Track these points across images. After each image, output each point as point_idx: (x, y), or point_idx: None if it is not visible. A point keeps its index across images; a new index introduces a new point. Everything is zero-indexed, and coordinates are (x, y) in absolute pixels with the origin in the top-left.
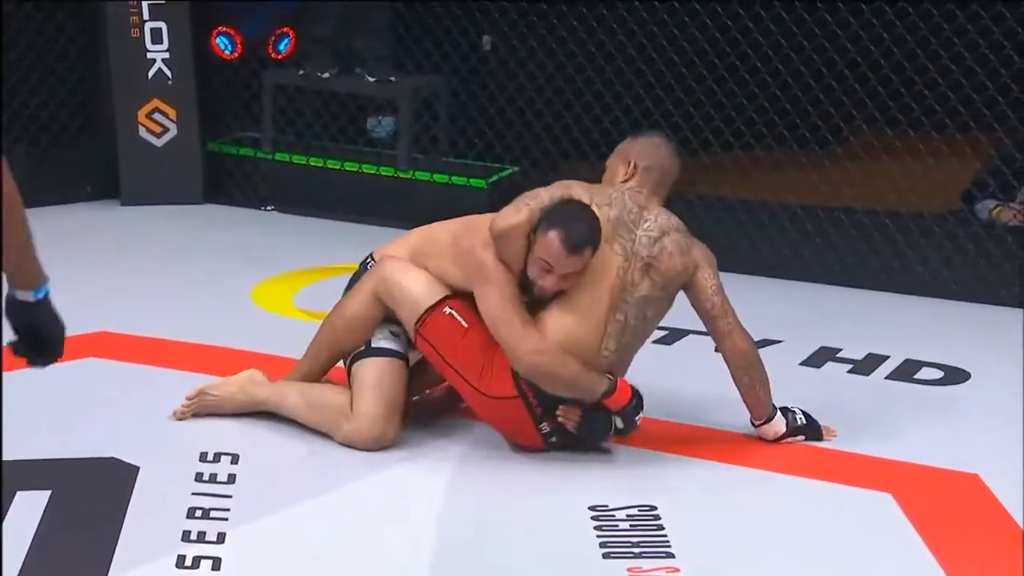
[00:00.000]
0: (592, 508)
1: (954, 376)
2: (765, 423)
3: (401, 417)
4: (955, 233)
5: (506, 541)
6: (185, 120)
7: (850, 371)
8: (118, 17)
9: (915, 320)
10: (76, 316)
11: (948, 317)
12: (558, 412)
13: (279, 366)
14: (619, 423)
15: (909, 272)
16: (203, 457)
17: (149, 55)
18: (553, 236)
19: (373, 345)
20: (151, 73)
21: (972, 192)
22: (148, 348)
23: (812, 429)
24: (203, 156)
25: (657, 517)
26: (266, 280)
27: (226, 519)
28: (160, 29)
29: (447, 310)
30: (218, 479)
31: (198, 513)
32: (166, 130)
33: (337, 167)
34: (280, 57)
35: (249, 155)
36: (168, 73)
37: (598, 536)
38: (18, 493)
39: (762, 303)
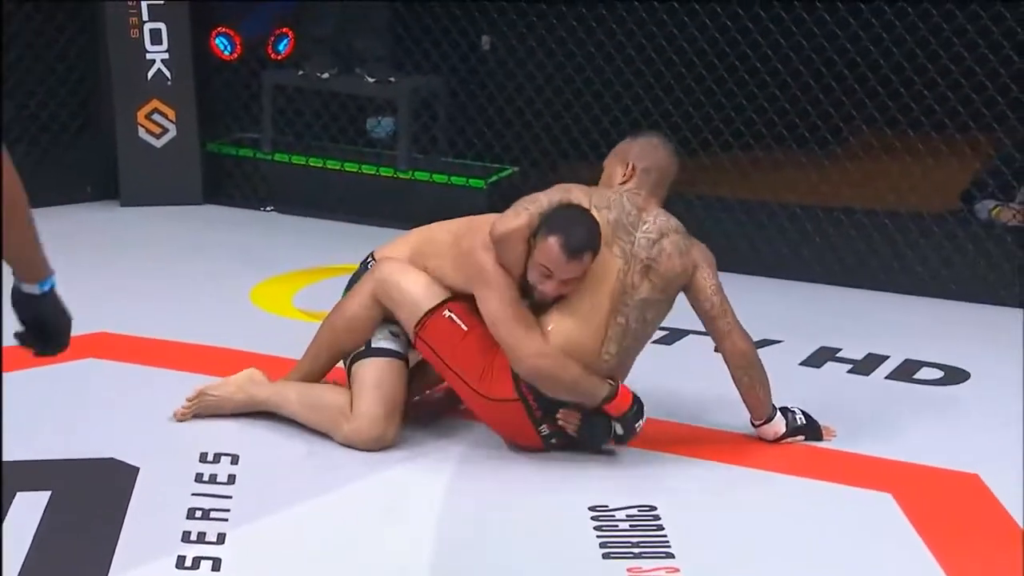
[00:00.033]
0: (592, 508)
1: (954, 376)
2: (765, 423)
3: (401, 417)
4: (954, 233)
5: (506, 541)
6: (184, 121)
7: (850, 371)
8: (117, 18)
9: (915, 320)
10: (76, 317)
11: (948, 317)
12: (558, 415)
13: (279, 366)
14: (619, 429)
15: (909, 272)
16: (203, 458)
17: (148, 56)
18: (553, 242)
19: (373, 345)
20: (150, 74)
21: (971, 192)
22: (148, 349)
23: (812, 429)
24: (202, 157)
25: (657, 517)
26: (266, 281)
27: (226, 519)
28: (159, 30)
29: (446, 313)
30: (218, 480)
31: (198, 514)
32: (165, 131)
33: (336, 167)
34: (279, 57)
35: (248, 156)
36: (167, 74)
37: (598, 536)
38: (18, 493)
39: (762, 303)
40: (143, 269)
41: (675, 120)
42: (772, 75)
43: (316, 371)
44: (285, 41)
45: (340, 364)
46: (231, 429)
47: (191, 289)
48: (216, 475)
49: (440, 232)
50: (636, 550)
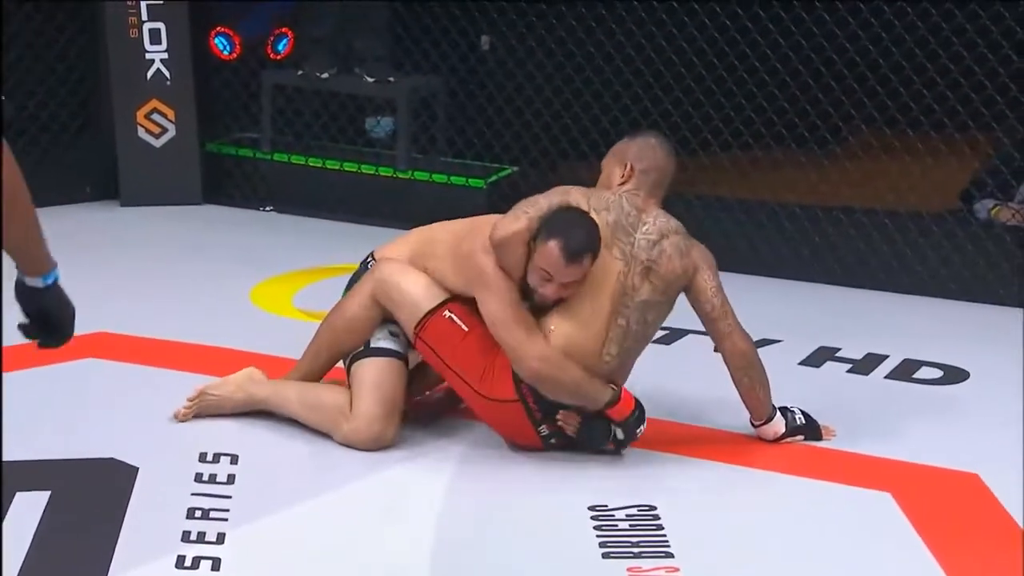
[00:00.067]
0: (592, 508)
1: (953, 375)
2: (764, 423)
3: (400, 417)
4: (954, 232)
5: (506, 541)
6: (184, 120)
7: (849, 371)
8: (117, 18)
9: (914, 319)
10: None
11: (947, 316)
12: (558, 416)
13: (279, 366)
14: (619, 433)
15: (908, 271)
16: (203, 457)
17: (148, 56)
18: (552, 245)
19: (372, 345)
20: (150, 74)
21: (971, 191)
22: (147, 349)
23: (811, 429)
24: (202, 157)
25: (656, 517)
26: (265, 280)
27: (226, 519)
28: (159, 29)
29: (446, 314)
30: (218, 479)
31: (198, 513)
32: (165, 131)
33: (336, 167)
34: (279, 57)
35: (248, 155)
36: (167, 73)
37: (598, 536)
38: (18, 493)
39: (761, 303)
40: (143, 269)
41: (674, 120)
42: (771, 74)
43: (315, 371)
44: (284, 41)
45: (340, 364)
46: (231, 429)
47: (191, 289)
48: (216, 475)
49: (441, 233)
50: (636, 550)
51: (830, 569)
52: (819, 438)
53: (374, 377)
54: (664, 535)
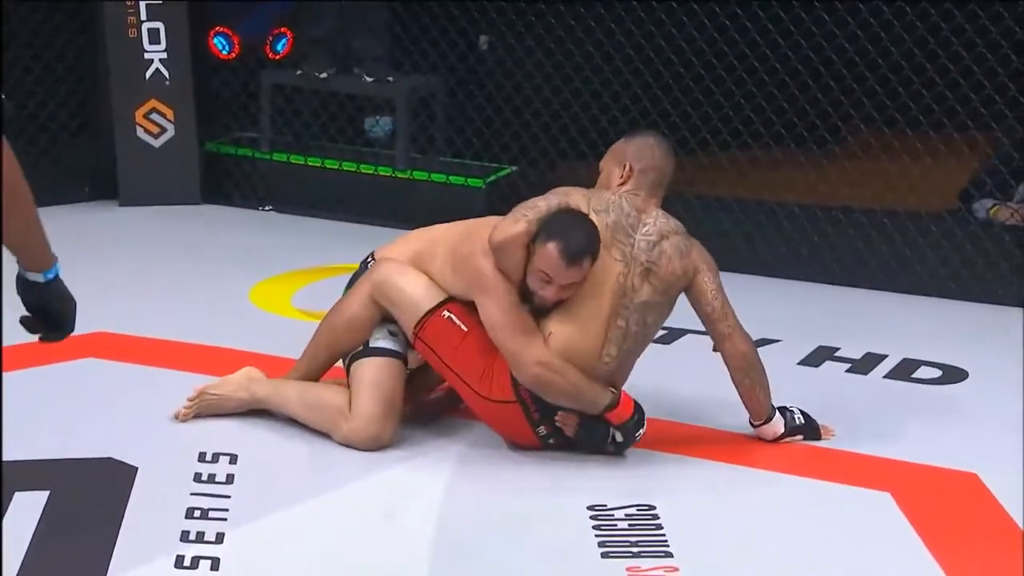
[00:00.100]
0: (591, 508)
1: (952, 375)
2: (764, 423)
3: (399, 417)
4: (953, 232)
5: (505, 541)
6: (183, 120)
7: (848, 370)
8: (116, 17)
9: (913, 319)
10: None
11: (946, 316)
12: (556, 418)
13: (278, 366)
14: (618, 436)
15: (907, 271)
16: (202, 457)
17: (147, 55)
18: (551, 248)
19: (371, 345)
20: (149, 73)
21: (970, 191)
22: (146, 348)
23: (810, 428)
24: (201, 156)
25: (655, 517)
26: (264, 280)
27: (225, 519)
28: (158, 29)
29: (445, 314)
30: (217, 479)
31: (197, 513)
32: (164, 130)
33: (335, 167)
34: (278, 57)
35: (247, 155)
36: (166, 73)
37: (597, 536)
38: (16, 493)
39: (760, 302)
40: (142, 269)
41: (673, 119)
42: (770, 74)
43: (314, 371)
44: (283, 41)
45: (340, 363)
46: (230, 429)
47: (190, 289)
48: (215, 475)
49: (442, 235)
50: (635, 549)
51: (829, 569)
52: (818, 438)
53: (373, 377)
54: (663, 535)
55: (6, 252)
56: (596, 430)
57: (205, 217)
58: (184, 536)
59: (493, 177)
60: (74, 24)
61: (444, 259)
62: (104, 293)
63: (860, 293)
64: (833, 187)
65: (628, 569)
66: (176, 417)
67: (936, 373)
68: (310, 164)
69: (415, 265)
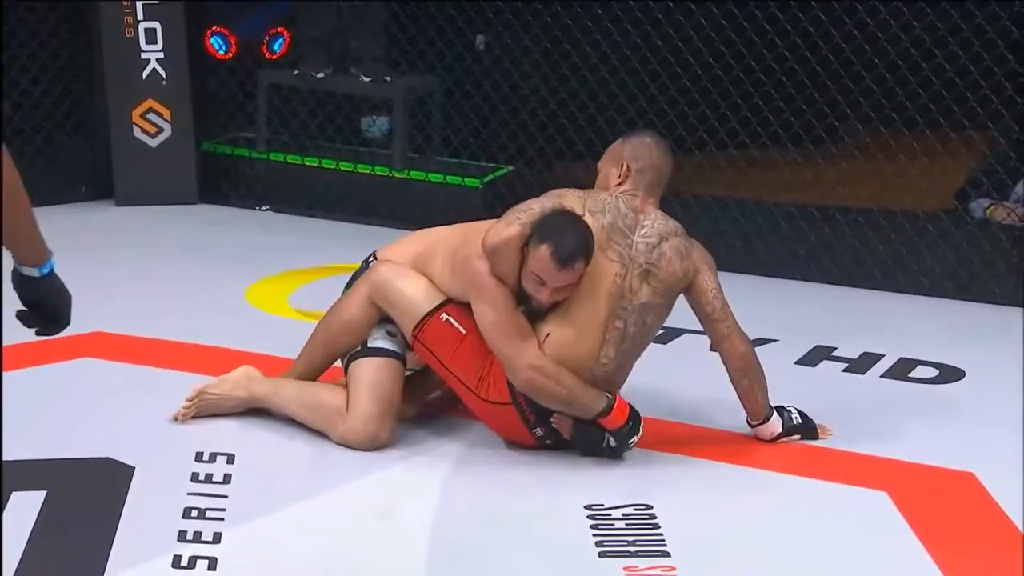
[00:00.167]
0: (588, 507)
1: (949, 374)
2: (761, 423)
3: (396, 417)
4: (949, 232)
5: (502, 540)
6: (180, 120)
7: (845, 370)
8: (112, 17)
9: (910, 318)
10: (71, 317)
11: (942, 315)
12: (552, 419)
13: (275, 366)
14: (612, 442)
15: (904, 271)
16: (199, 457)
17: (143, 55)
18: (543, 251)
19: (369, 345)
20: (145, 73)
21: (966, 191)
22: (143, 348)
23: (808, 428)
24: (198, 156)
25: (653, 516)
26: (261, 280)
27: (222, 519)
28: (154, 29)
29: (444, 316)
30: (214, 479)
31: (194, 513)
32: (160, 130)
33: (332, 167)
34: (275, 57)
35: (244, 155)
36: (162, 73)
37: (594, 535)
38: (14, 493)
39: (757, 302)
40: (138, 269)
41: (671, 119)
42: (767, 74)
43: (311, 371)
44: (280, 40)
45: (339, 363)
46: (227, 428)
47: (187, 288)
48: (212, 474)
49: (442, 237)
50: (632, 549)
51: (826, 568)
52: (815, 437)
53: (371, 377)
54: (660, 534)
55: (5, 252)
56: (590, 434)
57: (202, 217)
58: (181, 536)
59: (490, 177)
60: (70, 24)
61: (444, 261)
62: (101, 293)
63: (857, 293)
64: (830, 187)
65: (625, 569)
66: (175, 418)
67: (933, 372)
68: (307, 164)
69: (415, 266)
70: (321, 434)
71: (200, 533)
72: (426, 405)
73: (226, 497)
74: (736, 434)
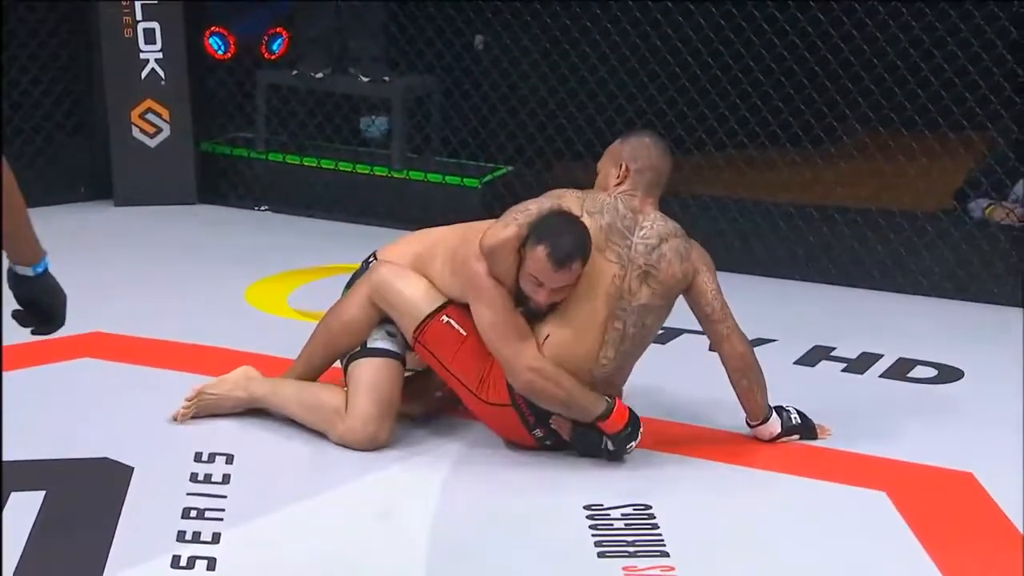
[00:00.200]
0: (587, 507)
1: (948, 374)
2: (760, 423)
3: (396, 417)
4: (948, 232)
5: (501, 540)
6: (178, 120)
7: (844, 370)
8: (111, 17)
9: (909, 319)
10: (70, 316)
11: (941, 315)
12: (551, 421)
13: (274, 366)
14: (610, 445)
15: (903, 271)
16: (198, 457)
17: (142, 55)
18: (540, 252)
19: (369, 345)
20: (144, 73)
21: (965, 191)
22: (142, 348)
23: (807, 428)
24: (196, 156)
25: (652, 516)
26: (260, 280)
27: (221, 519)
28: (153, 29)
29: (444, 318)
30: (213, 479)
31: (193, 513)
32: (159, 130)
33: (331, 167)
34: (273, 57)
35: (243, 155)
36: (161, 73)
37: (593, 535)
38: (13, 493)
39: (756, 302)
40: (137, 269)
41: (669, 119)
42: (766, 74)
43: (311, 372)
44: (279, 41)
45: (338, 363)
46: (226, 428)
47: (186, 289)
48: (211, 474)
49: (442, 237)
50: (631, 549)
51: (825, 568)
52: (814, 437)
53: (370, 377)
54: (659, 534)
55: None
56: (589, 436)
57: (201, 217)
58: (180, 536)
59: (489, 177)
60: (69, 24)
61: (444, 261)
62: (100, 293)
63: (856, 293)
64: (828, 187)
65: (624, 569)
66: (175, 418)
67: (932, 372)
68: (306, 164)
69: (415, 267)
70: (320, 434)
71: (199, 533)
72: (430, 404)
73: (225, 497)
74: (735, 434)
